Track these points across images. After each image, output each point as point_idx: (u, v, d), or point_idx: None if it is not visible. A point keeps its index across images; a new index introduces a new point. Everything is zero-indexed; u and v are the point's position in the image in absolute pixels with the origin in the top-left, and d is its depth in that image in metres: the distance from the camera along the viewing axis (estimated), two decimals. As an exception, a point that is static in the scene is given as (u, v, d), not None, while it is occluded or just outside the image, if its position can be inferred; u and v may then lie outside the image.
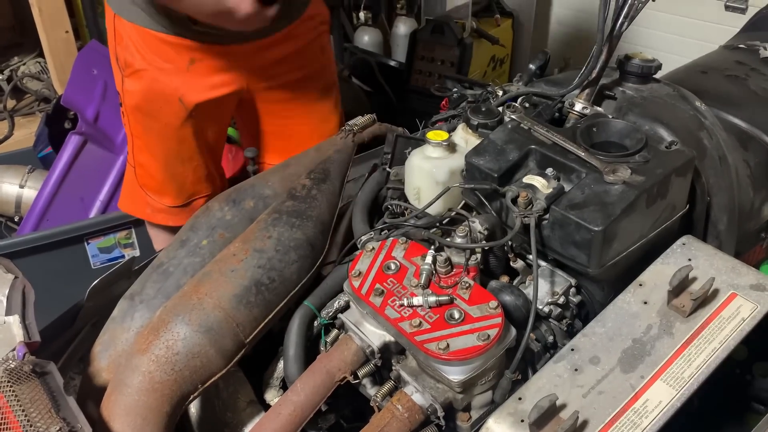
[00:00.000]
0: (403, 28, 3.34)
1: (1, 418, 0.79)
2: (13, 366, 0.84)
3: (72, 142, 2.33)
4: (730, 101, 1.44)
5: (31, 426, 0.77)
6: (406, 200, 1.18)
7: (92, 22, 3.16)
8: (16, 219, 2.44)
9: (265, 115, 1.77)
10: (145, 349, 0.94)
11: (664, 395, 0.84)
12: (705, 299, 0.93)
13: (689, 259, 0.99)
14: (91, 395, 0.99)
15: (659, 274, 0.97)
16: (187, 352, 0.94)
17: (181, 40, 1.52)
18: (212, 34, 1.50)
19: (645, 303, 0.94)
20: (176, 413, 0.93)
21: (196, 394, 0.95)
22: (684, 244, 1.01)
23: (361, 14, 3.40)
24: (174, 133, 1.64)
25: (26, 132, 3.05)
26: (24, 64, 3.32)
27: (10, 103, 3.23)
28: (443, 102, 1.56)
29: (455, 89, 1.50)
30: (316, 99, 1.76)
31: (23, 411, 0.79)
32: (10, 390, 0.81)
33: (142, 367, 0.92)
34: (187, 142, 1.66)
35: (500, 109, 1.18)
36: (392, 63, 3.06)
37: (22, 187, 2.41)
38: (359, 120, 1.39)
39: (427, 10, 3.44)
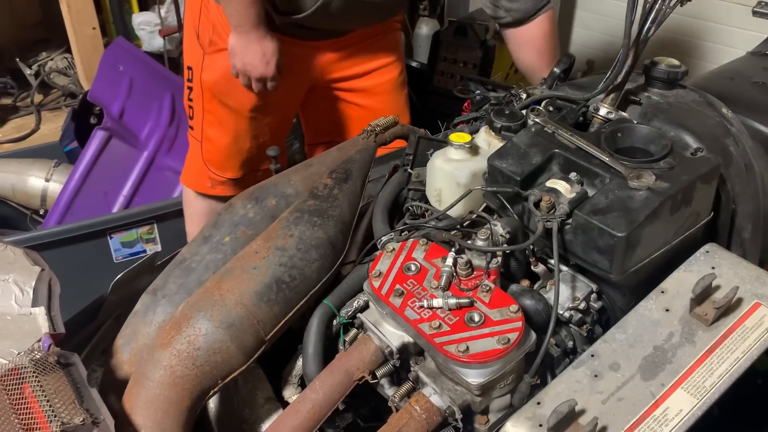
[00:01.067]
0: (425, 29, 3.34)
1: (26, 407, 0.81)
2: (38, 357, 0.85)
3: (97, 137, 2.36)
4: (757, 108, 1.42)
5: (55, 416, 0.78)
6: (426, 202, 1.18)
7: (119, 19, 3.20)
8: (42, 212, 2.48)
9: (336, 101, 1.89)
10: (167, 344, 0.95)
11: (685, 404, 0.83)
12: (728, 308, 0.92)
13: (713, 267, 0.98)
14: (112, 388, 1.00)
15: (682, 281, 0.97)
16: (209, 347, 0.95)
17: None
18: (296, 33, 1.66)
19: (667, 310, 0.94)
20: (196, 408, 0.94)
21: (216, 390, 0.96)
22: (708, 251, 1.00)
23: (384, 15, 3.40)
24: (248, 112, 1.77)
25: (53, 126, 3.10)
26: (51, 60, 3.38)
27: (38, 98, 3.29)
28: (465, 104, 1.55)
29: (478, 91, 1.50)
30: (389, 90, 1.88)
31: (48, 401, 0.80)
32: (35, 380, 0.82)
33: (164, 361, 0.93)
34: (257, 120, 1.79)
35: (524, 112, 1.17)
36: (414, 64, 3.06)
37: (47, 180, 2.45)
38: (381, 120, 1.39)
39: (450, 12, 3.43)
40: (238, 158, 1.86)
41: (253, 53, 1.60)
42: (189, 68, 1.82)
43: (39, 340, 0.89)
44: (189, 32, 1.80)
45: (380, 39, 1.83)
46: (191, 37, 1.79)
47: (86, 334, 1.16)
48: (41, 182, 2.46)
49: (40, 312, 0.96)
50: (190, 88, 1.83)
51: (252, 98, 1.74)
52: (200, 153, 1.89)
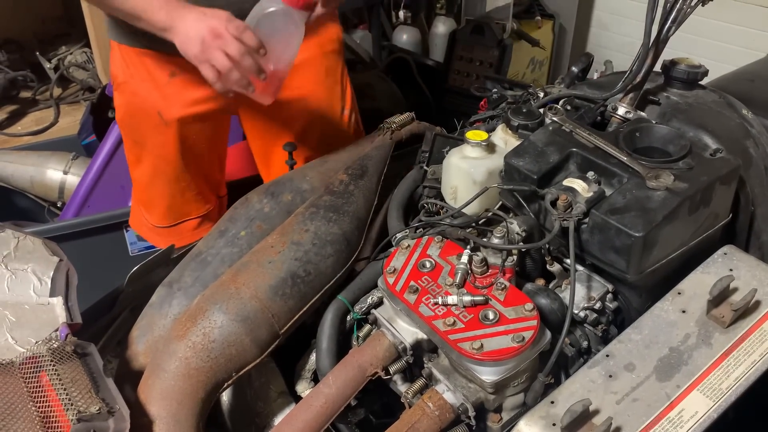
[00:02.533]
0: (442, 27, 3.33)
1: (44, 395, 0.82)
2: (55, 346, 0.86)
3: (115, 131, 2.37)
4: (777, 110, 1.40)
5: (71, 404, 0.79)
6: (442, 199, 1.18)
7: (138, 14, 3.21)
8: (59, 204, 2.50)
9: (252, 135, 1.65)
10: (182, 336, 0.95)
11: (701, 406, 0.83)
12: (746, 310, 0.91)
13: (730, 269, 0.97)
14: (127, 378, 1.01)
15: (699, 283, 0.96)
16: (223, 340, 0.95)
17: (160, 54, 1.46)
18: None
19: (683, 312, 0.93)
20: (210, 400, 0.95)
21: (230, 382, 0.97)
22: (725, 253, 0.99)
23: (401, 13, 3.40)
24: (158, 152, 1.58)
25: (71, 120, 3.13)
26: (71, 54, 3.40)
27: (57, 92, 3.32)
28: (482, 102, 1.55)
29: (495, 90, 1.50)
30: (312, 125, 1.58)
31: (64, 389, 0.81)
32: (52, 369, 0.83)
33: (179, 353, 0.94)
34: (173, 163, 1.58)
35: (541, 110, 1.17)
36: (430, 62, 3.05)
37: (65, 173, 2.47)
38: (398, 118, 1.40)
39: (467, 10, 3.42)
40: (159, 202, 1.66)
41: (208, 22, 1.19)
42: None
43: (56, 330, 0.90)
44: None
45: (299, 63, 1.45)
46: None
47: (102, 324, 1.17)
48: (59, 175, 2.48)
49: (58, 302, 0.97)
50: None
51: (156, 133, 1.53)
52: (134, 193, 1.74)
